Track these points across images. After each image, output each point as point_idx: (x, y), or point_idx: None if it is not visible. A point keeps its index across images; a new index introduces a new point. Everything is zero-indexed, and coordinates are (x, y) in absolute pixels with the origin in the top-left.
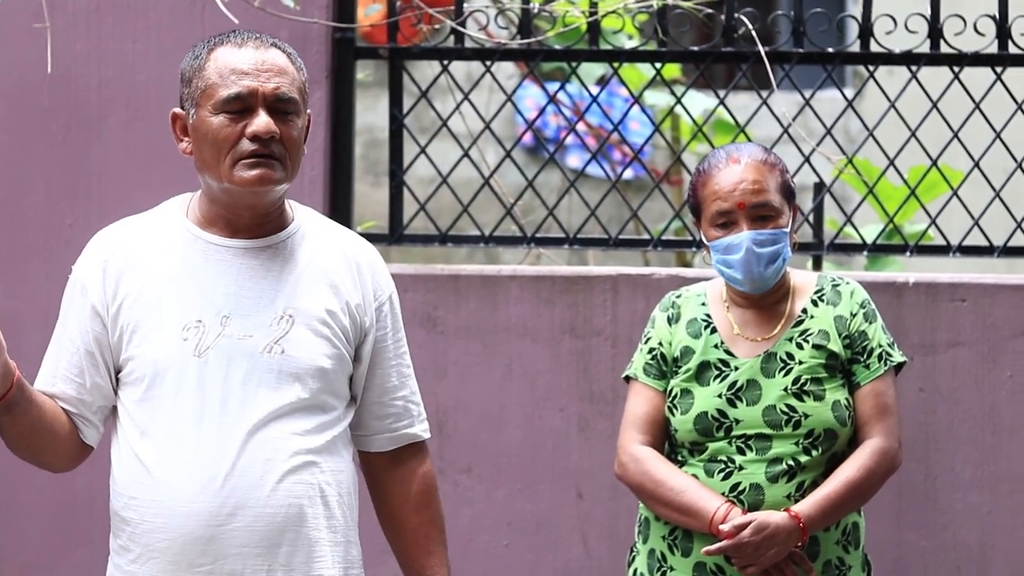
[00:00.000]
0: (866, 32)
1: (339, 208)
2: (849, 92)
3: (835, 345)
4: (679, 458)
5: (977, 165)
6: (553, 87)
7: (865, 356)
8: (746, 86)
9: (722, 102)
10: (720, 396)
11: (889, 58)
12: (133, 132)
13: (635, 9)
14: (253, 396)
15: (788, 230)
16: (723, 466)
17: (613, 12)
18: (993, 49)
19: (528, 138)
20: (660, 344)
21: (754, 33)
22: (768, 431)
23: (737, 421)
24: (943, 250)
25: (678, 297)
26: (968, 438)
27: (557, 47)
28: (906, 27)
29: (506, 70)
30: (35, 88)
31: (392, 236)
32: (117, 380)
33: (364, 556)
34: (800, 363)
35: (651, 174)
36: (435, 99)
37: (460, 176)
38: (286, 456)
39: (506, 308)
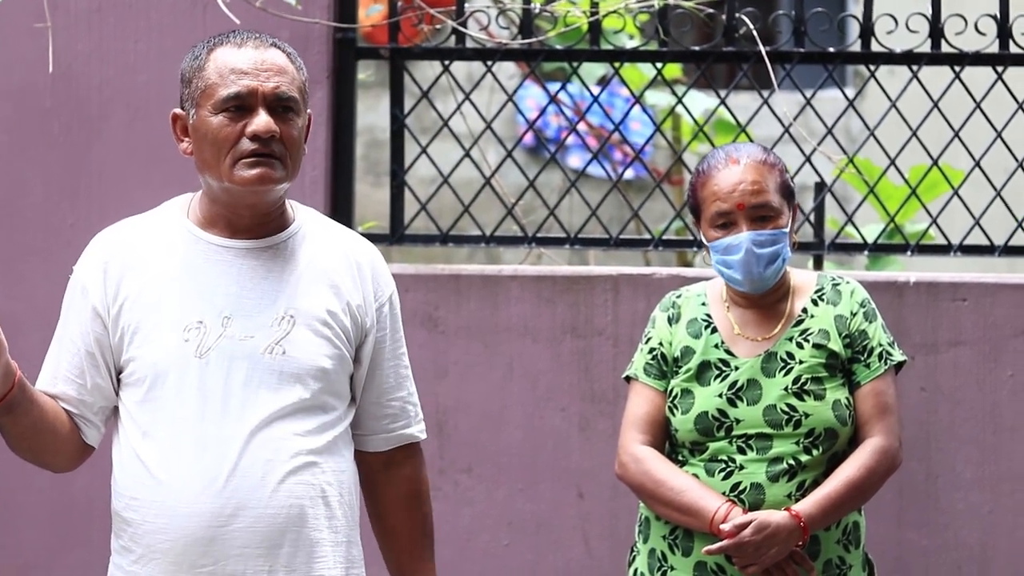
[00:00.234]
0: (867, 32)
1: (340, 208)
2: (850, 92)
3: (835, 344)
4: (680, 458)
5: (978, 164)
6: (554, 87)
7: (865, 355)
8: (747, 86)
9: (723, 102)
10: (720, 396)
11: (890, 58)
12: (134, 132)
13: (636, 9)
14: (254, 397)
15: (788, 230)
16: (724, 466)
17: (614, 12)
18: (994, 49)
19: (529, 138)
20: (660, 344)
21: (755, 33)
22: (769, 431)
23: (738, 421)
24: (944, 249)
25: (678, 297)
26: (969, 437)
27: (558, 47)
28: (907, 27)
29: (507, 70)
30: (36, 88)
31: (393, 236)
32: (118, 381)
33: (365, 556)
34: (800, 363)
35: (652, 174)
36: (436, 99)
37: (461, 176)
38: (287, 457)
39: (507, 308)
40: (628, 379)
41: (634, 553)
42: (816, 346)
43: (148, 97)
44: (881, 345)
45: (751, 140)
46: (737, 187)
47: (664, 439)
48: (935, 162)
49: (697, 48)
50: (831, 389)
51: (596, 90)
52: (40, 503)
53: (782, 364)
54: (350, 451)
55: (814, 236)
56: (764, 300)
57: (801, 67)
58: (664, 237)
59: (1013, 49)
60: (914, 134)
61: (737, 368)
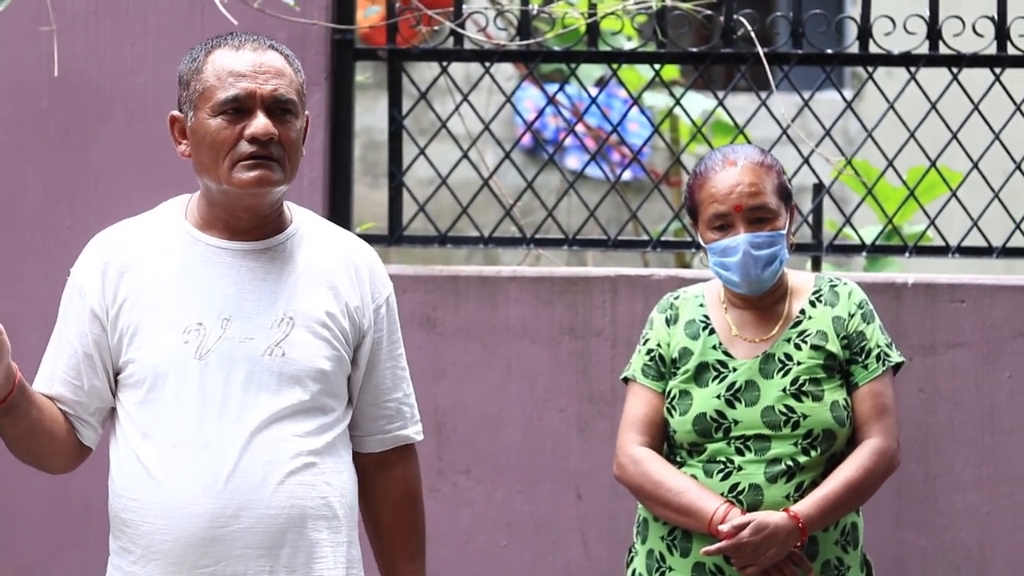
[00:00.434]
0: (865, 33)
1: (338, 209)
2: (848, 93)
3: (833, 346)
4: (678, 459)
5: (976, 166)
6: (552, 88)
7: (863, 356)
8: (745, 87)
9: (721, 103)
10: (719, 397)
11: (888, 59)
12: (132, 134)
13: (634, 10)
14: (254, 399)
15: (785, 232)
16: (722, 467)
17: (612, 13)
18: (992, 50)
19: (527, 139)
20: (658, 345)
21: (753, 34)
22: (767, 432)
23: (736, 422)
24: (942, 251)
25: (676, 298)
26: (967, 439)
27: (556, 48)
28: (905, 28)
29: (505, 71)
30: (34, 90)
31: (391, 237)
32: (116, 382)
33: (364, 556)
34: (798, 364)
35: (650, 175)
36: (434, 100)
37: (459, 177)
38: (287, 458)
39: (505, 309)
40: (626, 380)
41: (632, 554)
42: (814, 347)
43: (146, 99)
44: (879, 346)
45: (749, 141)
46: (734, 189)
47: (662, 440)
48: (933, 164)
49: (695, 50)
50: (829, 390)
51: (594, 91)
52: (37, 504)
53: (780, 365)
54: (348, 452)
55: (812, 237)
56: (762, 301)
57: (799, 69)
58: (662, 238)
59: (1011, 51)
60: (912, 136)
61: (735, 369)
